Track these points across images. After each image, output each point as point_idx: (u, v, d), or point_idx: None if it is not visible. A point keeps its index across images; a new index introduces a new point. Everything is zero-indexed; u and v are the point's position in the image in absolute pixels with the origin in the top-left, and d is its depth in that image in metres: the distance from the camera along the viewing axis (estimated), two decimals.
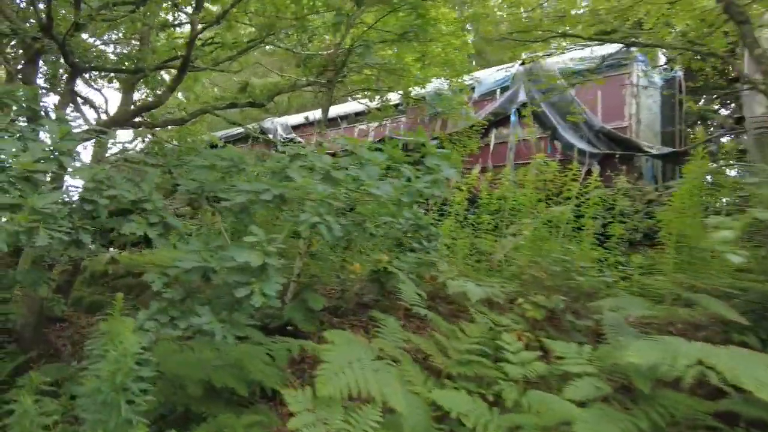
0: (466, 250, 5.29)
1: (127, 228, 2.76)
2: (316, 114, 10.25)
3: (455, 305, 4.94)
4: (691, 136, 8.33)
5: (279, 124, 11.69)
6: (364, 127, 9.97)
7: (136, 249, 11.19)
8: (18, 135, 2.72)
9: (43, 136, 3.08)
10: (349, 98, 10.24)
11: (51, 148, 2.75)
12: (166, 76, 10.57)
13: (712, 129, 11.54)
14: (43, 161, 2.68)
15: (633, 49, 6.04)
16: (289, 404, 2.37)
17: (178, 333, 2.60)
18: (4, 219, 2.31)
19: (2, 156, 2.46)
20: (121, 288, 8.10)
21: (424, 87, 7.50)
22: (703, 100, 11.23)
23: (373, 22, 4.72)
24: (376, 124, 9.08)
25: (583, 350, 2.77)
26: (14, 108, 2.97)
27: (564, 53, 6.20)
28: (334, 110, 11.32)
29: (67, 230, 2.48)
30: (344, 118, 10.62)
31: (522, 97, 7.87)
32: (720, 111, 11.84)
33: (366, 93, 7.41)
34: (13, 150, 2.58)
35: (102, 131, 3.10)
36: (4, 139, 2.53)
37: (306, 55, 6.87)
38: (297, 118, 12.02)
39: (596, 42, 4.52)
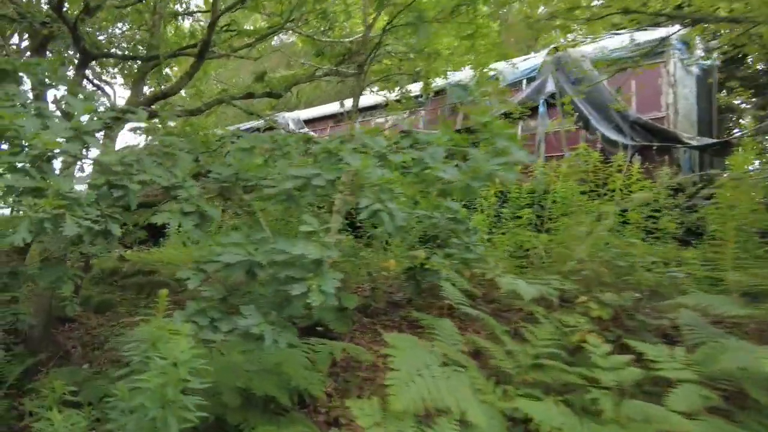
0: (505, 246, 4.98)
1: (160, 218, 2.44)
2: (341, 104, 9.88)
3: (496, 304, 4.63)
4: (732, 126, 8.03)
5: (290, 118, 11.36)
6: (381, 120, 9.66)
7: (143, 247, 10.88)
8: (36, 111, 2.41)
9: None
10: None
11: (73, 127, 2.43)
12: (169, 71, 10.21)
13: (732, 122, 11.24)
14: (66, 141, 2.37)
15: (674, 34, 5.74)
16: (357, 418, 2.06)
17: (219, 337, 2.28)
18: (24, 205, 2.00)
19: (22, 134, 2.14)
20: (131, 287, 7.78)
21: (445, 78, 7.18)
22: (725, 92, 10.93)
23: (405, 2, 4.40)
24: (395, 116, 8.77)
25: (675, 353, 2.45)
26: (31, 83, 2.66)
27: (597, 40, 5.90)
28: (348, 104, 10.99)
29: (95, 218, 2.16)
30: (360, 111, 10.29)
31: (550, 87, 7.57)
32: (741, 104, 11.54)
33: (387, 83, 7.05)
34: (32, 129, 2.26)
35: (130, 110, 2.79)
36: (22, 114, 2.21)
37: (327, 43, 6.54)
38: (309, 112, 11.69)
39: (663, 18, 4.19)
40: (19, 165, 2.07)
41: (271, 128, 8.93)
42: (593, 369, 2.41)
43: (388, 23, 4.59)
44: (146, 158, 2.56)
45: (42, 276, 2.38)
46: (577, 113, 6.96)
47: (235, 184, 3.03)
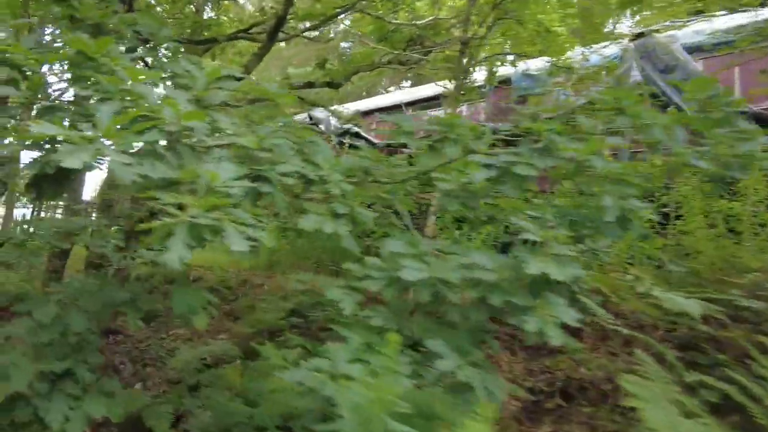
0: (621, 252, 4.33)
1: (308, 223, 1.82)
2: (391, 96, 9.24)
3: (622, 319, 3.98)
4: None
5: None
6: (435, 113, 9.02)
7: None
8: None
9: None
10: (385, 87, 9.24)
11: (197, 97, 1.83)
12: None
13: None
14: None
15: None
16: None
17: (409, 385, 1.66)
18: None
19: (147, 104, 1.54)
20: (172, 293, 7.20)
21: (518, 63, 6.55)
22: None
23: None
24: (451, 110, 8.14)
25: None
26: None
27: (687, 25, 5.27)
28: (398, 96, 10.38)
29: (248, 224, 1.55)
30: (411, 104, 9.65)
31: (635, 75, 6.91)
32: None
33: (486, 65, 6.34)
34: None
35: (239, 78, 2.20)
36: (140, 75, 1.61)
37: (394, 26, 5.95)
38: (354, 106, 11.04)
39: None
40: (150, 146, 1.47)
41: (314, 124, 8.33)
42: None
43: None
44: (283, 144, 1.95)
45: (173, 303, 1.77)
46: (670, 106, 6.31)
47: (364, 180, 2.42)
